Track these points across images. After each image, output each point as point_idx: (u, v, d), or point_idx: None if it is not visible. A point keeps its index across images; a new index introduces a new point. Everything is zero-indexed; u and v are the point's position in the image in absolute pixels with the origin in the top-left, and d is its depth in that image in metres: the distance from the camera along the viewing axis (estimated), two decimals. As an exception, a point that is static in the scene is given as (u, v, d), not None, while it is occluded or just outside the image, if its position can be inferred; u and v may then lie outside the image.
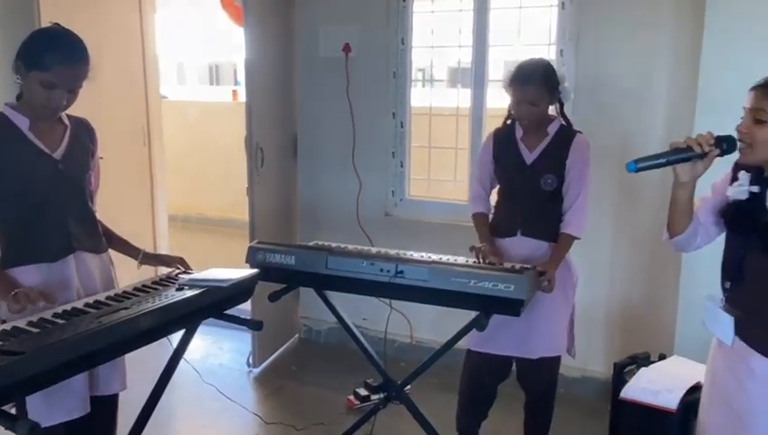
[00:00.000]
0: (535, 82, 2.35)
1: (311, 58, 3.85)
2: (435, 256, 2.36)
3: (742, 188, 1.69)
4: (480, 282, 2.12)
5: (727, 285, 1.73)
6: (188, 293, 1.94)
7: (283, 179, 3.89)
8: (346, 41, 3.71)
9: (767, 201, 1.66)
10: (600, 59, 3.21)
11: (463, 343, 2.48)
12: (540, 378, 2.57)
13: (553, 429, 2.69)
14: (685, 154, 1.62)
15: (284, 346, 4.03)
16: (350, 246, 2.52)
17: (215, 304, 2.03)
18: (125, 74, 4.14)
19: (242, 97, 3.54)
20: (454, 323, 2.41)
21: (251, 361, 3.74)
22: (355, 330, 2.58)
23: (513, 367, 2.61)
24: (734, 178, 1.73)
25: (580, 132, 2.50)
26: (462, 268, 2.19)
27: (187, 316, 1.96)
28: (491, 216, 2.63)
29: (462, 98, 3.73)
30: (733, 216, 1.71)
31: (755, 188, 1.67)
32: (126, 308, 1.79)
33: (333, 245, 2.55)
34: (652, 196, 3.07)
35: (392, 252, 2.40)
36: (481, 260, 2.40)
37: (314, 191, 4.00)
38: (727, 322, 1.71)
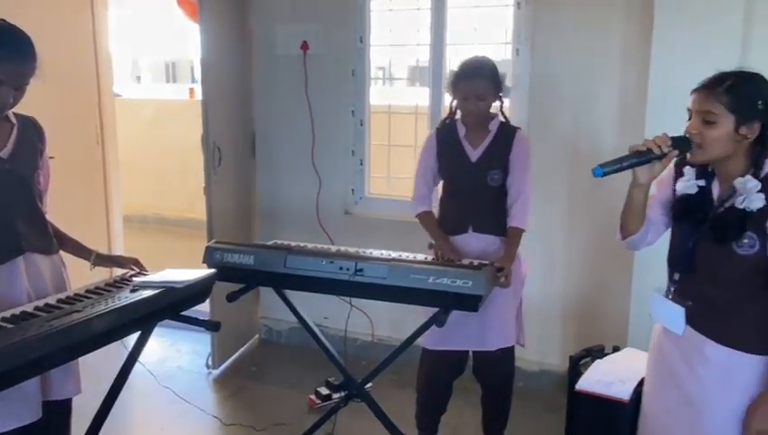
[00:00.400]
0: (483, 75, 2.42)
1: (268, 56, 3.82)
2: (394, 254, 2.37)
3: (690, 183, 1.76)
4: (439, 278, 2.14)
5: (676, 276, 1.79)
6: (143, 294, 1.90)
7: (242, 178, 3.85)
8: (304, 39, 3.69)
9: (713, 193, 1.74)
10: (554, 58, 3.27)
11: (419, 341, 2.50)
12: (497, 369, 2.62)
13: (512, 421, 2.74)
14: (645, 157, 1.67)
15: (244, 347, 4.00)
16: (310, 245, 2.52)
17: (171, 305, 2.00)
18: (76, 72, 4.03)
19: (199, 95, 3.49)
20: (414, 320, 2.43)
21: (210, 362, 3.70)
22: (315, 329, 2.58)
23: (469, 362, 2.66)
24: (679, 174, 1.80)
25: (519, 128, 2.59)
26: (421, 265, 2.21)
27: (142, 318, 1.93)
28: (436, 213, 2.66)
29: (421, 96, 3.75)
30: (683, 209, 1.77)
31: (702, 182, 1.75)
32: (78, 311, 1.75)
33: (293, 244, 2.54)
34: (604, 191, 3.12)
35: (352, 250, 2.41)
36: (439, 256, 2.44)
37: (273, 190, 3.97)
38: (678, 312, 1.76)
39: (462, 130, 2.56)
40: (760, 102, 1.64)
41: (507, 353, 2.59)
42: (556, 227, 3.35)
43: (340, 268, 2.26)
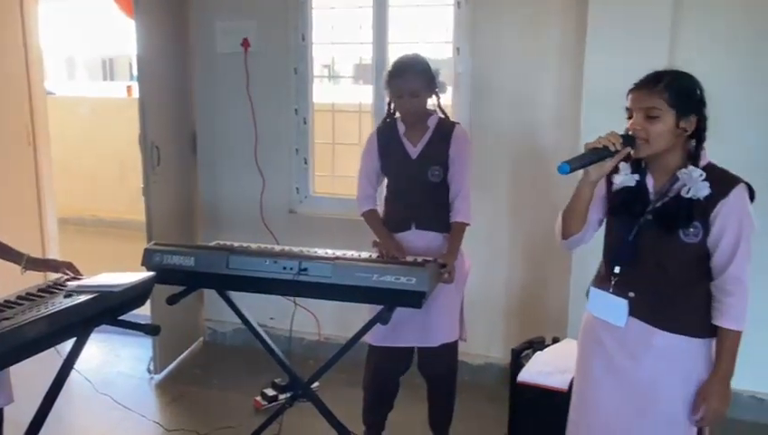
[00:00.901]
0: (414, 72, 2.44)
1: (208, 53, 3.75)
2: (339, 252, 2.38)
3: (629, 177, 1.82)
4: (383, 276, 2.17)
5: (617, 269, 1.84)
6: (78, 299, 1.85)
7: (182, 178, 3.77)
8: (244, 36, 3.64)
9: (649, 187, 1.81)
10: (494, 57, 3.31)
11: (365, 338, 2.51)
12: (441, 364, 2.65)
13: (458, 415, 2.78)
14: (603, 153, 1.71)
15: (188, 350, 3.92)
16: (253, 245, 2.49)
17: (108, 310, 1.95)
18: (3, 69, 3.87)
19: (137, 93, 3.39)
20: (360, 318, 2.44)
21: (151, 367, 3.61)
22: (260, 330, 2.55)
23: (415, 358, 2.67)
24: (613, 171, 1.84)
25: (458, 123, 2.61)
26: (365, 263, 2.23)
27: (78, 324, 1.87)
28: (381, 211, 2.67)
29: (365, 94, 3.75)
30: (622, 202, 1.83)
31: (637, 176, 1.82)
32: (8, 318, 1.69)
33: (235, 244, 2.51)
34: (543, 187, 3.22)
35: (296, 249, 2.40)
36: (384, 254, 2.45)
37: (216, 190, 3.90)
38: (620, 305, 1.82)
39: (402, 128, 2.58)
40: (695, 97, 1.75)
41: (450, 349, 2.61)
42: (498, 223, 3.41)
43: (284, 268, 2.25)
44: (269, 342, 2.53)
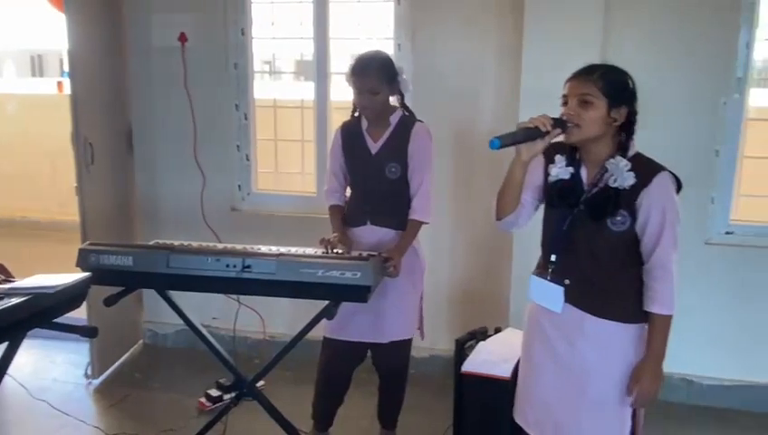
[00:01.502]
0: (372, 70, 2.43)
1: (144, 47, 3.65)
2: (283, 249, 2.34)
3: (564, 169, 1.89)
4: (328, 271, 2.16)
5: (554, 257, 1.90)
6: (9, 302, 1.77)
7: (118, 177, 3.65)
8: (181, 29, 3.55)
9: (582, 178, 1.87)
10: (434, 54, 3.34)
11: (318, 333, 2.50)
12: (392, 360, 2.66)
13: (404, 407, 2.80)
14: (534, 133, 1.76)
15: (128, 353, 3.81)
16: (194, 243, 2.44)
17: (41, 312, 1.87)
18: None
19: (68, 89, 3.26)
20: (306, 315, 2.42)
21: (89, 372, 3.49)
22: (202, 329, 2.51)
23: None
24: (549, 161, 1.91)
25: (420, 121, 2.59)
26: (309, 259, 2.22)
27: (9, 328, 1.79)
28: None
29: (307, 90, 3.72)
30: (558, 194, 1.88)
31: (571, 169, 1.88)
32: (-68, 324, 1.60)
33: (176, 242, 2.45)
34: (484, 181, 3.28)
35: (239, 247, 2.36)
36: (329, 250, 2.44)
37: (154, 188, 3.80)
38: (556, 292, 1.88)
39: (365, 124, 2.57)
40: (627, 89, 1.83)
41: (402, 346, 2.62)
42: (441, 216, 3.38)
43: (227, 265, 2.22)
44: (212, 341, 2.49)
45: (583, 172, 1.88)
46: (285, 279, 2.17)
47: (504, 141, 1.73)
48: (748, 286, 3.16)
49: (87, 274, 2.07)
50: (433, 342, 3.47)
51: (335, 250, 2.39)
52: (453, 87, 3.35)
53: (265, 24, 3.70)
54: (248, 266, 2.20)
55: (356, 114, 2.61)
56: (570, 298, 1.88)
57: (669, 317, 1.83)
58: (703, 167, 3.10)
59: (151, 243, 2.53)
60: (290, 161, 3.93)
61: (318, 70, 3.57)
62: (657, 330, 1.83)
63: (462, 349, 2.49)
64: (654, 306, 1.82)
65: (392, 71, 2.48)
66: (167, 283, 2.30)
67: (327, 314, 2.17)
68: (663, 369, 1.86)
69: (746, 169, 3.20)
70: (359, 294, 2.15)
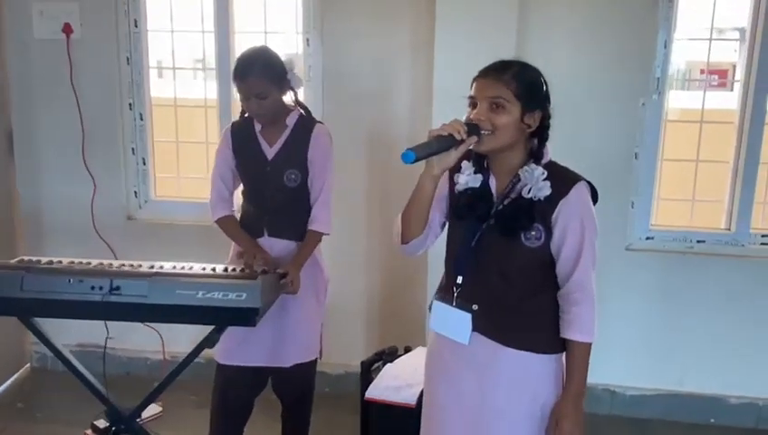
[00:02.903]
0: (255, 73, 2.19)
1: (23, 39, 3.27)
2: (168, 265, 2.07)
3: (472, 177, 1.68)
4: (209, 293, 1.91)
5: (460, 279, 1.68)
6: None
7: (-4, 183, 3.28)
8: (66, 20, 3.20)
9: (492, 187, 1.68)
10: (346, 50, 3.14)
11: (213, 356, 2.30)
12: (295, 385, 2.47)
13: (315, 427, 2.59)
14: (448, 142, 1.56)
15: (11, 380, 3.43)
16: (65, 260, 2.13)
17: None
18: None
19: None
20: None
21: (-38, 404, 3.11)
22: (67, 354, 2.22)
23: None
24: (455, 169, 1.70)
25: (320, 123, 2.41)
26: (188, 279, 1.96)
27: None
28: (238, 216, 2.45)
29: (210, 88, 3.44)
30: (467, 204, 1.68)
31: (481, 176, 1.68)
32: None
33: (44, 260, 2.14)
34: (400, 188, 3.07)
35: (116, 264, 2.07)
36: (251, 267, 2.16)
37: (38, 195, 3.43)
38: (463, 319, 1.66)
39: (258, 126, 2.35)
40: (541, 92, 1.64)
41: (306, 369, 2.43)
42: (355, 226, 3.25)
43: (92, 288, 1.94)
44: (81, 369, 2.20)
45: (492, 182, 1.68)
46: (159, 302, 1.91)
47: (420, 153, 1.52)
48: (670, 293, 3.10)
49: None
50: (348, 358, 3.28)
51: (256, 265, 2.14)
52: (365, 86, 3.16)
53: (163, 16, 3.39)
54: (117, 288, 1.92)
55: (246, 115, 2.38)
56: (478, 326, 1.65)
57: (589, 345, 1.63)
58: (622, 170, 3.02)
59: (13, 261, 2.21)
60: (193, 165, 3.63)
61: (220, 66, 3.30)
62: (577, 360, 1.62)
63: (368, 371, 2.29)
64: (574, 333, 1.61)
65: (279, 68, 2.26)
66: (20, 308, 1.98)
67: (208, 342, 1.91)
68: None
69: (666, 173, 3.12)
70: (245, 317, 1.91)
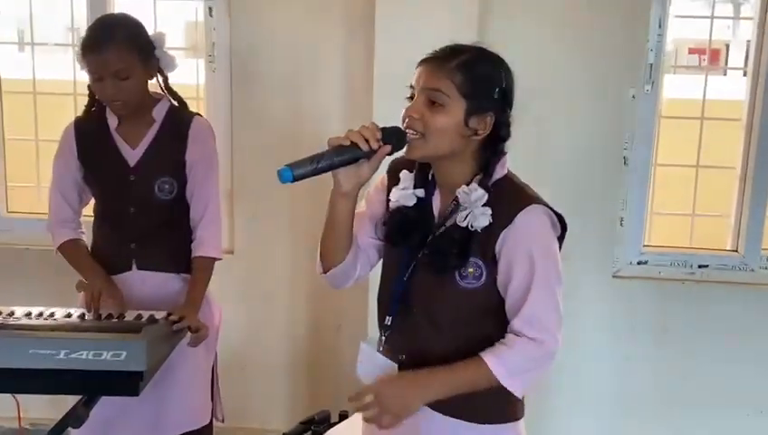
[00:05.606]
0: (115, 44, 2.12)
1: None
2: (20, 312, 1.98)
3: (407, 192, 1.66)
4: (74, 352, 1.78)
5: (388, 320, 1.68)
6: None
7: None
8: None
9: (434, 208, 1.66)
10: (258, 23, 3.14)
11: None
12: None
13: None
14: (350, 154, 1.54)
15: None
16: None
17: None
18: None
19: None
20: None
21: None
22: None
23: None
24: (393, 181, 1.69)
25: (198, 114, 2.42)
26: (45, 333, 1.84)
27: None
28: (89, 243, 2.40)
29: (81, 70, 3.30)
30: (398, 227, 1.66)
31: (420, 192, 1.66)
32: None
33: None
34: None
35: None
36: (92, 310, 2.12)
37: None
38: (389, 371, 1.63)
39: (114, 121, 2.29)
40: (496, 91, 1.58)
41: None
42: (273, 250, 3.25)
43: None
44: None
45: (436, 200, 1.66)
46: (5, 367, 1.77)
47: (300, 171, 1.50)
48: (666, 331, 3.12)
49: None
50: (264, 420, 3.32)
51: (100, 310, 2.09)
52: (286, 70, 3.16)
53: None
54: (-57, 348, 1.76)
55: (94, 107, 2.32)
56: None
57: (498, 380, 1.55)
58: (608, 180, 3.03)
59: None
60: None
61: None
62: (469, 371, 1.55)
63: (291, 447, 2.22)
64: (486, 354, 1.53)
65: (145, 42, 2.22)
66: None
67: (73, 421, 1.78)
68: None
69: (660, 181, 3.18)
70: (124, 384, 1.80)
